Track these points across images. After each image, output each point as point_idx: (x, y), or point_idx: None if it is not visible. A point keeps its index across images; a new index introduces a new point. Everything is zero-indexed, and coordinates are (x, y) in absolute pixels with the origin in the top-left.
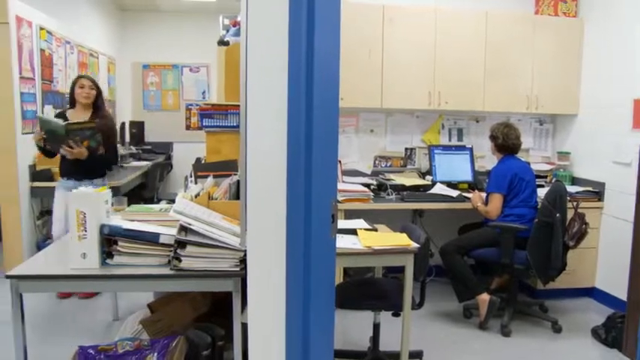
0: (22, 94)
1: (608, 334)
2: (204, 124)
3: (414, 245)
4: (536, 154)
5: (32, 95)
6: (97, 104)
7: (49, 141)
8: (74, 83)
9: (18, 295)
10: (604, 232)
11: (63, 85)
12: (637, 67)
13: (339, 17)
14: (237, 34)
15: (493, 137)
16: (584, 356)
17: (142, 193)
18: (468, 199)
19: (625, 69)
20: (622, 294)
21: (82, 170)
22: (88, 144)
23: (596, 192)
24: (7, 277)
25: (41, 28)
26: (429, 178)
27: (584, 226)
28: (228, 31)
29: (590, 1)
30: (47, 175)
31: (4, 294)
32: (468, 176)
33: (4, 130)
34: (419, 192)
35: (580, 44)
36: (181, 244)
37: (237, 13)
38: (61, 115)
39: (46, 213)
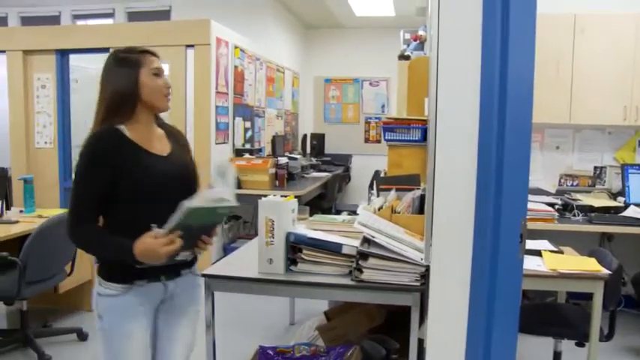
0: (216, 107)
1: None
2: (386, 137)
3: (605, 271)
4: None
5: (225, 108)
6: None
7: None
8: (135, 63)
9: (210, 292)
10: None
11: (252, 99)
12: None
13: (534, 32)
14: (419, 48)
15: None
16: None
17: (321, 203)
18: None
19: None
20: None
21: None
22: None
23: None
24: (203, 275)
25: (235, 47)
26: (620, 199)
27: None
28: (408, 45)
29: None
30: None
31: None
32: None
33: (202, 140)
34: (609, 214)
35: None
36: (363, 255)
37: (416, 27)
38: (114, 135)
39: (232, 218)
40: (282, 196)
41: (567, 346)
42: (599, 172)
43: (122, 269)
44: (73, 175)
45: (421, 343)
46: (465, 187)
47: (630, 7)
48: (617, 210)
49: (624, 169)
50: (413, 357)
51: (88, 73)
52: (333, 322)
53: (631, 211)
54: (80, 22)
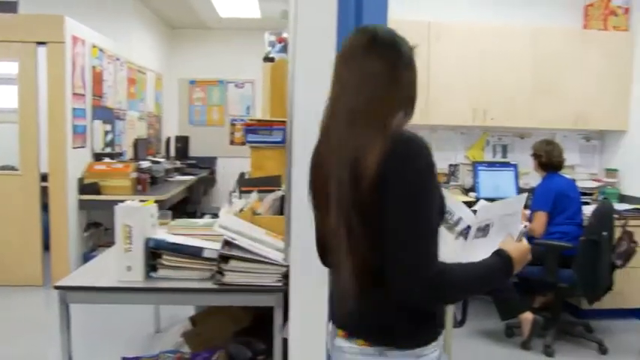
0: (73, 109)
1: None
2: (248, 139)
3: None
4: (582, 171)
5: (82, 111)
6: None
7: None
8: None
9: (65, 305)
10: None
11: (112, 101)
12: None
13: None
14: (283, 50)
15: (536, 155)
16: None
17: (186, 207)
18: None
19: None
20: None
21: None
22: None
23: None
24: (56, 287)
25: (93, 46)
26: (472, 194)
27: (632, 244)
28: (273, 47)
29: None
30: (94, 189)
31: (52, 303)
32: (512, 193)
33: (56, 145)
34: None
35: (630, 59)
36: (225, 258)
37: (281, 29)
38: None
39: (92, 225)
40: (141, 201)
41: None
42: (453, 170)
43: (433, 319)
44: (408, 200)
45: (287, 342)
46: None
47: (477, 19)
48: (470, 205)
49: (475, 166)
50: (278, 357)
51: None
52: (198, 328)
53: (481, 205)
54: None
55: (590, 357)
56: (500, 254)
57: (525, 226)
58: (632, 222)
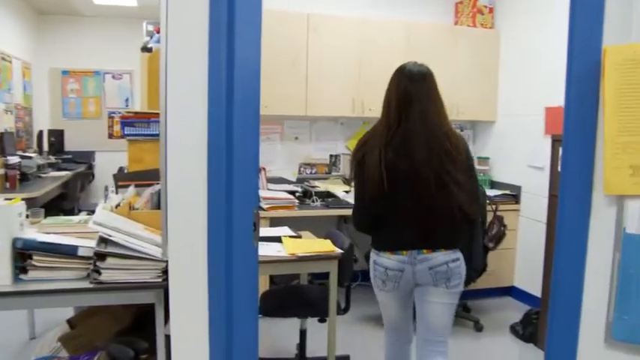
0: None
1: (525, 330)
2: (125, 132)
3: (338, 251)
4: None
5: None
6: None
7: None
8: None
9: None
10: (521, 233)
11: None
12: (547, 77)
13: (259, 25)
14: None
15: None
16: (504, 352)
17: (62, 204)
18: None
19: (537, 78)
20: (538, 291)
21: None
22: None
23: (514, 195)
24: None
25: None
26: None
27: (502, 228)
28: (152, 37)
29: (505, 14)
30: None
31: None
32: None
33: None
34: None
35: (497, 54)
36: (101, 256)
37: (159, 19)
38: None
39: None
40: (7, 199)
41: (312, 323)
42: (334, 160)
43: None
44: (473, 164)
45: (169, 339)
46: (196, 180)
47: (355, 12)
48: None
49: None
50: (161, 354)
51: None
52: (77, 330)
53: None
54: None
55: (467, 335)
56: None
57: None
58: (501, 207)
